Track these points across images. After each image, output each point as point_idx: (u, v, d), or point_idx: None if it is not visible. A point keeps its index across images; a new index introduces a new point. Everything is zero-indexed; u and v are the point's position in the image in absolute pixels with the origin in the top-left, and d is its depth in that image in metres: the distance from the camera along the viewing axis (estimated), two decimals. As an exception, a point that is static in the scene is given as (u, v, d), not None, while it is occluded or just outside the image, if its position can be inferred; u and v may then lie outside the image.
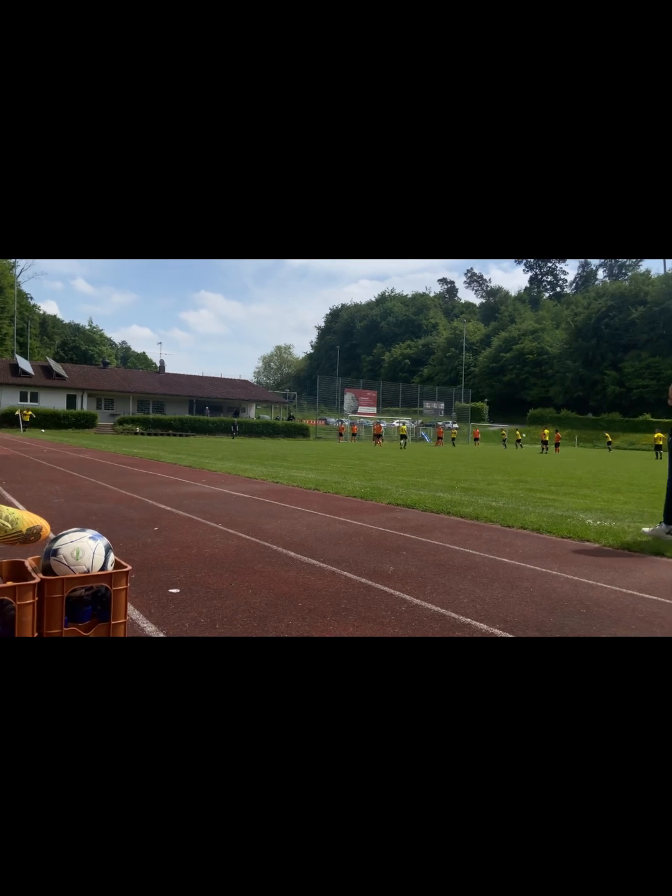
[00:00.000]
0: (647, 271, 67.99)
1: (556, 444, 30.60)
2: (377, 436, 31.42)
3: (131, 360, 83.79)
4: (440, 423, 45.09)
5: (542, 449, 28.78)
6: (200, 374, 50.66)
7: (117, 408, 40.67)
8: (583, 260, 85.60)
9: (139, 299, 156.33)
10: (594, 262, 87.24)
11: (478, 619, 2.44)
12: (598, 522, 4.91)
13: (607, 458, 23.66)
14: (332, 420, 50.94)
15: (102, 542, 1.79)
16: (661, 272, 66.68)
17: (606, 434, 39.90)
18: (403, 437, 29.19)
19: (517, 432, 38.18)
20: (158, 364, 52.48)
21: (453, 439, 36.74)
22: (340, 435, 36.43)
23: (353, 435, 36.45)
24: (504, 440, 37.30)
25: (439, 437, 36.25)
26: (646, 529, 4.44)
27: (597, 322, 62.86)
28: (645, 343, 57.39)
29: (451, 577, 3.12)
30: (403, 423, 35.23)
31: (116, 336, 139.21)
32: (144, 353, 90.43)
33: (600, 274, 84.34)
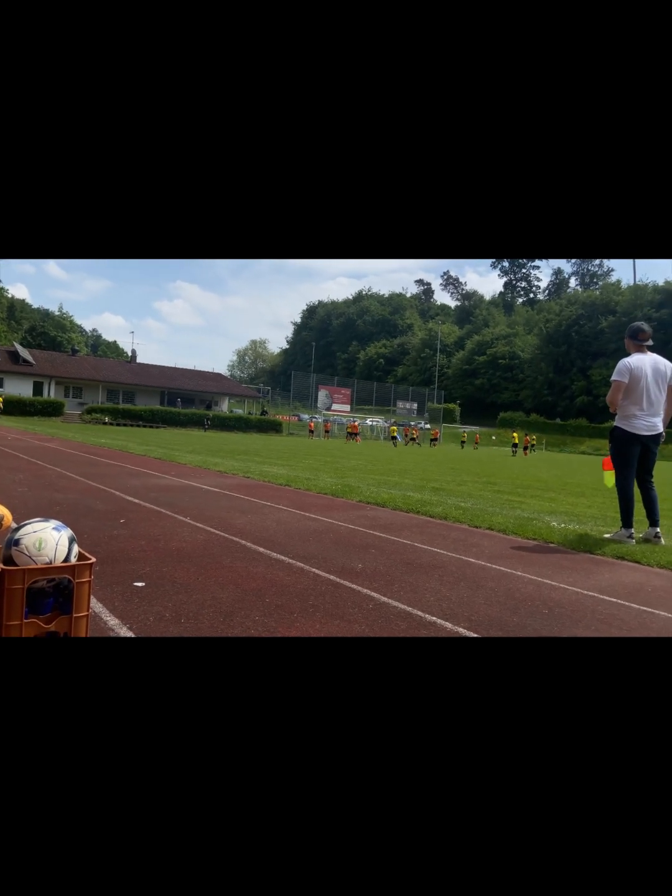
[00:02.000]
0: (618, 281, 69.79)
1: (526, 448, 31.12)
2: (352, 434, 31.57)
3: (102, 348, 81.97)
4: (412, 424, 45.49)
5: (513, 452, 29.29)
6: (173, 366, 49.99)
7: (86, 396, 39.76)
8: (556, 268, 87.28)
9: (113, 286, 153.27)
10: (567, 269, 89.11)
11: (443, 617, 2.47)
12: (563, 525, 5.03)
13: (572, 462, 24.23)
14: (305, 416, 50.92)
15: (66, 533, 1.75)
16: (631, 283, 68.54)
17: (532, 436, 40.27)
18: (394, 437, 29.68)
19: (476, 436, 38.92)
20: (130, 353, 51.51)
21: (413, 438, 35.63)
22: (311, 432, 36.37)
23: (327, 432, 36.45)
24: (463, 442, 38.01)
25: (412, 438, 36.45)
26: (607, 535, 4.57)
27: (568, 329, 64.32)
28: (613, 352, 58.92)
29: (418, 576, 3.16)
30: (393, 425, 35.59)
31: (88, 324, 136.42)
32: (116, 341, 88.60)
33: (572, 282, 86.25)
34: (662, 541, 4.36)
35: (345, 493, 6.49)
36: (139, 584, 2.67)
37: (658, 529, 4.40)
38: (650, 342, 4.45)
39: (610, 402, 4.47)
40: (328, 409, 49.38)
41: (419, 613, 2.51)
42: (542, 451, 41.40)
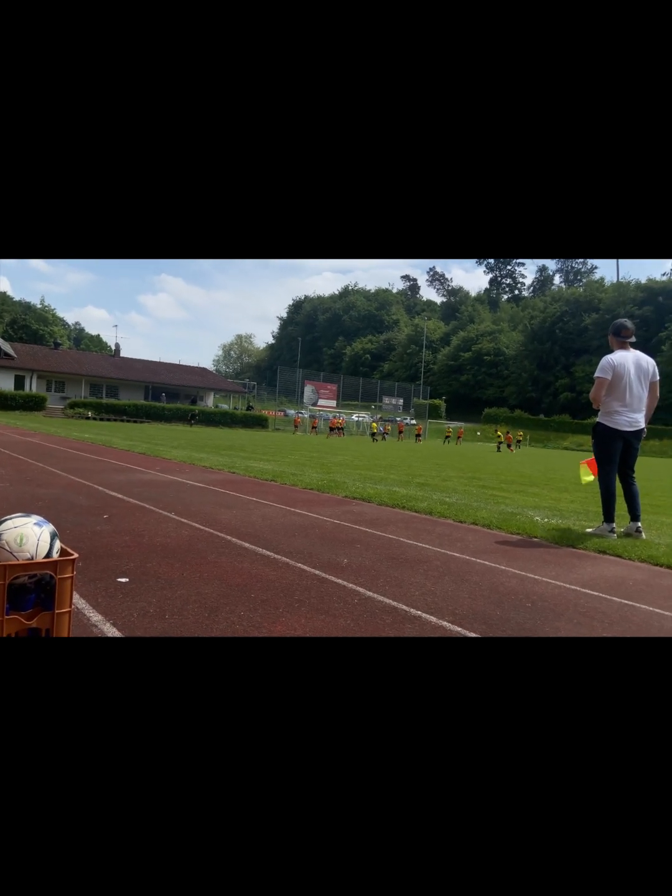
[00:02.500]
0: (602, 279, 70.53)
1: (510, 444, 31.33)
2: (333, 429, 31.64)
3: (85, 342, 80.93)
4: (399, 419, 45.63)
5: (498, 448, 29.52)
6: (157, 360, 49.50)
7: (68, 391, 39.21)
8: (541, 265, 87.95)
9: (96, 279, 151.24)
10: (551, 266, 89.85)
11: (428, 611, 2.49)
12: (546, 520, 5.08)
13: (555, 458, 24.49)
14: (291, 412, 50.78)
15: (48, 529, 1.72)
16: (615, 280, 69.34)
17: (518, 432, 40.90)
18: (373, 433, 29.80)
19: (460, 431, 39.29)
20: (113, 347, 50.89)
21: (385, 434, 34.10)
22: (296, 427, 36.28)
23: (314, 428, 36.37)
24: (447, 437, 38.38)
25: (400, 432, 36.42)
26: (589, 529, 4.63)
27: (552, 326, 64.92)
28: (596, 349, 59.59)
29: (403, 571, 3.17)
30: (374, 421, 35.63)
31: (70, 317, 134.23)
32: (99, 335, 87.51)
33: (557, 279, 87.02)
34: (643, 535, 4.43)
35: (331, 489, 6.49)
36: (123, 580, 2.65)
37: (639, 524, 4.47)
38: (633, 339, 4.50)
39: (593, 399, 4.52)
40: (315, 404, 49.31)
41: (404, 608, 2.52)
42: (526, 446, 41.81)
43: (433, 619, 2.40)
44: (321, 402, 50.31)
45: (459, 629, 2.29)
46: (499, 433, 31.64)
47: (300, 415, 40.98)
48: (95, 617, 2.17)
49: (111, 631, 2.05)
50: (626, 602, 2.84)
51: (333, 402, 51.44)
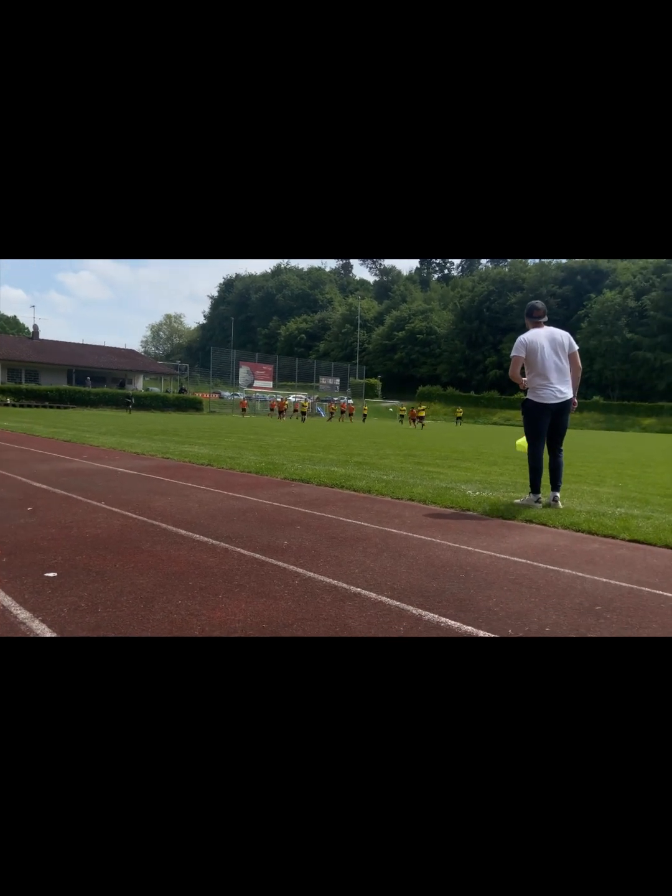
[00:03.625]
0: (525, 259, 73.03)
1: (414, 420, 31.52)
2: (283, 411, 31.27)
3: (0, 323, 75.49)
4: (335, 399, 45.73)
5: (400, 421, 30.41)
6: (81, 342, 46.99)
7: (-18, 376, 36.61)
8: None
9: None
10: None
11: (367, 588, 2.53)
12: (477, 493, 5.28)
13: (486, 433, 25.47)
14: (226, 394, 49.75)
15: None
16: (537, 260, 72.05)
17: (458, 409, 42.45)
18: (303, 413, 29.68)
19: (364, 408, 39.19)
20: (32, 329, 47.77)
21: (304, 413, 31.42)
22: (243, 410, 35.55)
23: (276, 411, 35.41)
24: (364, 415, 37.87)
25: (341, 411, 35.83)
26: (517, 501, 4.85)
27: (480, 305, 66.82)
28: (521, 327, 61.83)
29: (343, 549, 3.21)
30: (305, 399, 35.43)
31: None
32: (16, 316, 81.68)
33: (483, 259, 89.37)
34: (560, 505, 4.69)
35: (269, 471, 6.44)
36: (51, 575, 2.53)
37: (557, 495, 4.73)
38: (545, 318, 4.73)
39: (512, 377, 4.74)
40: (250, 386, 48.52)
41: (344, 586, 2.56)
42: (467, 423, 42.97)
43: (373, 595, 2.45)
44: (257, 383, 49.59)
45: (398, 603, 2.35)
46: (402, 411, 32.77)
47: (245, 397, 40.05)
48: (23, 614, 2.06)
49: (40, 627, 1.95)
50: (551, 567, 3.01)
51: (269, 383, 50.84)
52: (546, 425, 4.65)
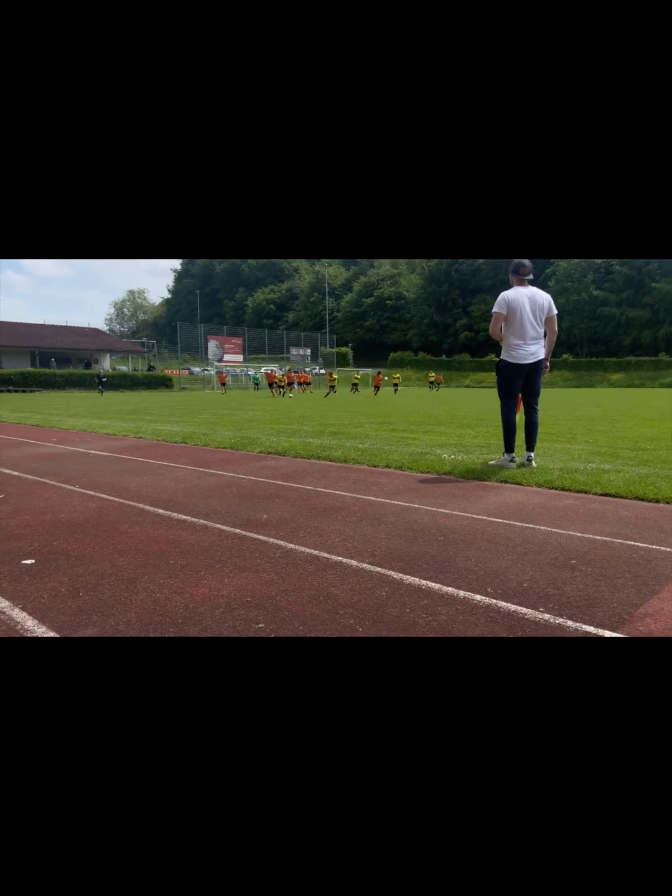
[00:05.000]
0: (491, 219, 72.34)
1: (377, 388, 31.25)
2: (283, 386, 28.35)
3: (-48, 306, 72.21)
4: (308, 369, 45.34)
5: (354, 390, 30.50)
6: (42, 323, 45.39)
7: (-60, 362, 35.24)
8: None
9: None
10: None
11: (348, 556, 2.56)
12: (452, 456, 5.35)
13: (459, 396, 25.63)
14: (196, 369, 48.88)
15: None
16: (503, 221, 71.60)
17: (431, 374, 42.37)
18: (271, 384, 28.53)
19: (330, 374, 36.52)
20: (-12, 311, 45.90)
21: (274, 384, 27.87)
22: (223, 384, 33.98)
23: (261, 386, 34.18)
24: (332, 387, 35.46)
25: (289, 383, 31.28)
26: (492, 462, 4.93)
27: (448, 267, 66.40)
28: (490, 288, 62.01)
29: (322, 520, 3.23)
30: (275, 370, 34.79)
31: None
32: (-31, 298, 78.27)
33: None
34: (534, 464, 4.79)
35: (245, 446, 6.40)
36: (28, 562, 2.49)
37: (532, 454, 4.82)
38: (531, 276, 4.72)
39: (492, 333, 4.77)
40: (220, 360, 47.70)
41: (325, 555, 2.58)
42: (419, 386, 42.90)
43: (354, 562, 2.48)
44: (227, 356, 48.79)
45: (379, 569, 2.38)
46: (356, 378, 32.79)
47: (223, 372, 38.77)
48: (1, 603, 2.03)
49: (20, 615, 1.93)
50: (527, 525, 3.09)
51: (240, 357, 50.08)
52: (519, 385, 4.71)
